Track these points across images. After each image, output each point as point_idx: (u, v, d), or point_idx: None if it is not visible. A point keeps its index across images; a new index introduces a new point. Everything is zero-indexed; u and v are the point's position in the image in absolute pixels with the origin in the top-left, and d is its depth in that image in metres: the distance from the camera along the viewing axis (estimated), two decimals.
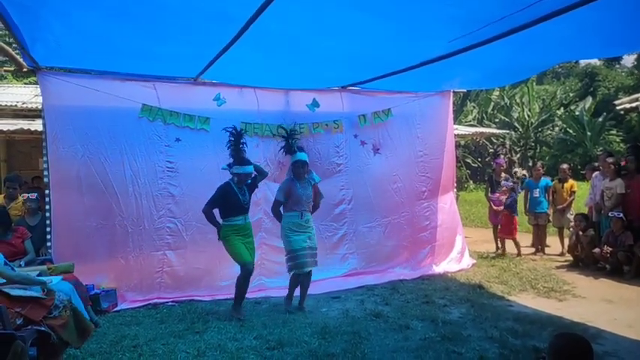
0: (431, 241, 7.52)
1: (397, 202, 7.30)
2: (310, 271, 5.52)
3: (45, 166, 5.63)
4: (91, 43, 4.86)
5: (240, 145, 5.48)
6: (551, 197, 8.67)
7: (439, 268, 7.37)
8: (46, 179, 5.64)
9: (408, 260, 7.35)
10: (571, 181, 8.68)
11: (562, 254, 8.31)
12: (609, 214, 7.20)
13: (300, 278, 5.50)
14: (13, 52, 5.37)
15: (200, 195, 5.97)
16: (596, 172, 7.99)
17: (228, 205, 5.29)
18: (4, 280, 3.84)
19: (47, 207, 5.65)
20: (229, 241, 5.28)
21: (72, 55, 5.40)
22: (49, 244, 5.61)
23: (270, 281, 6.39)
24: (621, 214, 7.00)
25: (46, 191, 5.64)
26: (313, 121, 6.78)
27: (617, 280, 6.68)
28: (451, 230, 7.80)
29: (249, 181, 5.48)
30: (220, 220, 5.35)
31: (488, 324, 4.92)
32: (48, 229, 5.63)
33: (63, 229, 5.61)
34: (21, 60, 5.44)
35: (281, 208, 5.60)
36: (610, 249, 6.92)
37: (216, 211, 5.40)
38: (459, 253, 7.79)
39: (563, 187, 8.60)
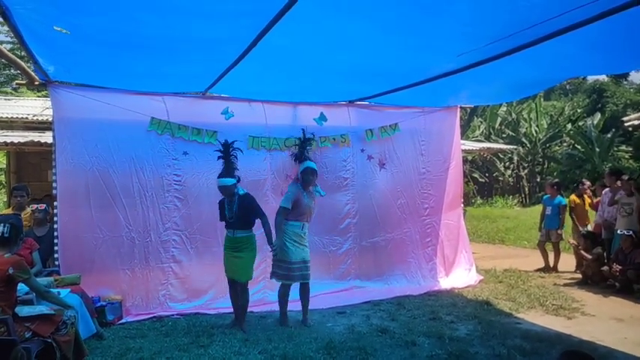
0: (436, 256, 7.47)
1: (400, 217, 7.29)
2: (307, 283, 5.51)
3: (54, 177, 5.68)
4: (101, 69, 5.06)
5: (230, 157, 5.36)
6: (564, 216, 8.55)
7: (446, 284, 7.31)
8: (54, 191, 5.68)
9: (414, 276, 7.29)
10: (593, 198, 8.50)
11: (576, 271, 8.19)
12: (618, 232, 7.14)
13: (292, 291, 5.52)
14: (25, 66, 5.46)
15: (206, 208, 6.02)
16: (606, 189, 7.92)
17: (221, 218, 5.40)
18: (28, 289, 3.90)
19: (55, 218, 5.69)
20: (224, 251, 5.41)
21: (83, 75, 5.56)
22: (56, 255, 5.64)
23: (276, 295, 6.35)
24: (630, 232, 6.93)
25: (55, 203, 5.69)
26: (320, 135, 6.80)
27: (626, 298, 6.59)
28: (458, 246, 7.75)
29: (242, 191, 5.31)
30: None
31: (495, 341, 4.86)
32: (55, 241, 5.66)
33: (70, 240, 5.64)
34: (33, 73, 5.52)
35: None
36: (619, 267, 6.83)
37: None
38: (466, 269, 7.73)
39: (584, 204, 8.45)
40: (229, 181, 5.20)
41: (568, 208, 8.58)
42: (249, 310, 5.99)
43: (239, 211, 5.22)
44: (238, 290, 5.35)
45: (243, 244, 5.27)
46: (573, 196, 8.75)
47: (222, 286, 6.08)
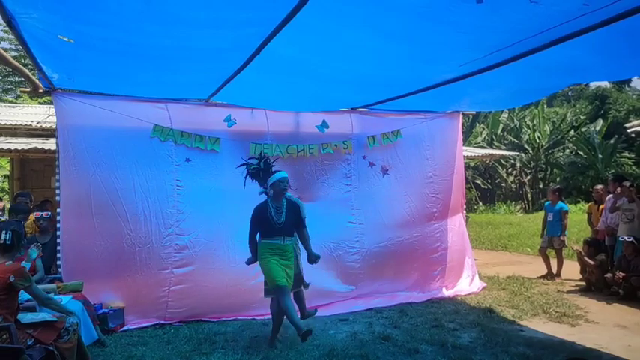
0: (441, 263, 7.44)
1: (408, 223, 7.24)
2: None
3: (57, 184, 5.70)
4: (104, 77, 5.10)
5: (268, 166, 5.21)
6: (566, 222, 8.53)
7: (449, 291, 7.28)
8: (58, 198, 5.70)
9: (418, 282, 7.26)
10: None
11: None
12: (619, 239, 7.12)
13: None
14: (29, 73, 5.50)
15: (208, 214, 6.05)
16: (609, 196, 7.91)
17: (263, 227, 4.98)
18: (30, 297, 3.91)
19: (58, 225, 5.70)
20: (264, 259, 4.93)
21: (86, 82, 5.60)
22: (58, 262, 5.64)
23: None
24: (632, 238, 6.91)
25: (57, 210, 5.70)
26: (322, 142, 6.82)
27: (630, 305, 6.55)
28: (460, 252, 7.73)
29: (288, 194, 5.11)
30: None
31: (499, 349, 4.84)
32: (58, 248, 5.67)
33: (72, 247, 5.65)
34: (37, 81, 5.56)
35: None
36: (622, 273, 6.81)
37: None
38: (468, 275, 7.70)
39: (598, 209, 8.38)
40: (284, 173, 5.03)
41: (586, 216, 8.54)
42: (251, 317, 6.02)
43: (290, 218, 5.00)
44: (297, 297, 5.17)
45: (291, 251, 5.05)
46: (590, 204, 8.73)
47: (225, 293, 6.08)
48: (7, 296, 3.60)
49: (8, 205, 10.71)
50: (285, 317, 4.93)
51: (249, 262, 5.20)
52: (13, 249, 3.77)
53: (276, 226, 4.93)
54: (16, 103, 19.27)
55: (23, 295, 3.95)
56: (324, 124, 6.80)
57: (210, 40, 3.77)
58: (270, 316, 5.94)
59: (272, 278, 4.84)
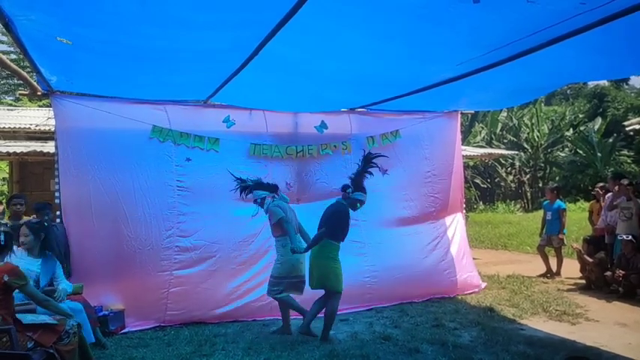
0: (440, 261, 7.44)
1: (407, 222, 7.23)
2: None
3: (57, 187, 5.70)
4: (103, 79, 5.09)
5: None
6: (565, 220, 8.55)
7: (449, 290, 7.27)
8: (57, 200, 5.69)
9: (418, 281, 7.24)
10: None
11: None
12: (618, 237, 7.13)
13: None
14: (27, 76, 5.51)
15: (209, 214, 6.04)
16: (609, 194, 7.91)
17: (343, 230, 5.29)
18: (28, 300, 3.90)
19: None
20: (339, 263, 5.23)
21: (85, 84, 5.60)
22: None
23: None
24: (630, 237, 6.92)
25: (57, 212, 5.70)
26: (321, 142, 6.82)
27: (630, 303, 6.56)
28: (460, 251, 7.72)
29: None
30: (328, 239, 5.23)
31: (499, 348, 4.84)
32: None
33: (72, 249, 5.64)
34: (35, 83, 5.57)
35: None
36: (622, 272, 6.82)
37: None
38: (468, 274, 7.69)
39: (601, 208, 8.40)
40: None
41: (587, 214, 8.55)
42: (252, 318, 6.01)
43: None
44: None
45: None
46: (592, 202, 8.74)
47: (225, 294, 6.07)
48: (4, 297, 3.59)
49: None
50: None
51: (302, 251, 5.25)
52: (5, 249, 3.78)
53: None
54: (15, 105, 19.26)
55: (16, 297, 3.93)
56: (323, 125, 6.81)
57: (209, 42, 3.78)
58: (270, 318, 5.99)
59: (341, 284, 5.20)
